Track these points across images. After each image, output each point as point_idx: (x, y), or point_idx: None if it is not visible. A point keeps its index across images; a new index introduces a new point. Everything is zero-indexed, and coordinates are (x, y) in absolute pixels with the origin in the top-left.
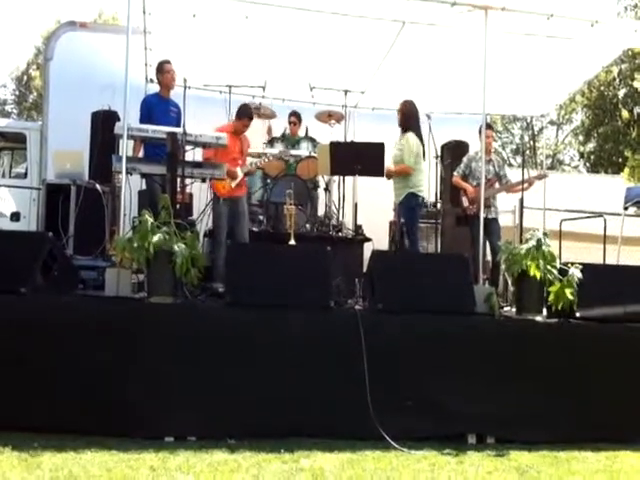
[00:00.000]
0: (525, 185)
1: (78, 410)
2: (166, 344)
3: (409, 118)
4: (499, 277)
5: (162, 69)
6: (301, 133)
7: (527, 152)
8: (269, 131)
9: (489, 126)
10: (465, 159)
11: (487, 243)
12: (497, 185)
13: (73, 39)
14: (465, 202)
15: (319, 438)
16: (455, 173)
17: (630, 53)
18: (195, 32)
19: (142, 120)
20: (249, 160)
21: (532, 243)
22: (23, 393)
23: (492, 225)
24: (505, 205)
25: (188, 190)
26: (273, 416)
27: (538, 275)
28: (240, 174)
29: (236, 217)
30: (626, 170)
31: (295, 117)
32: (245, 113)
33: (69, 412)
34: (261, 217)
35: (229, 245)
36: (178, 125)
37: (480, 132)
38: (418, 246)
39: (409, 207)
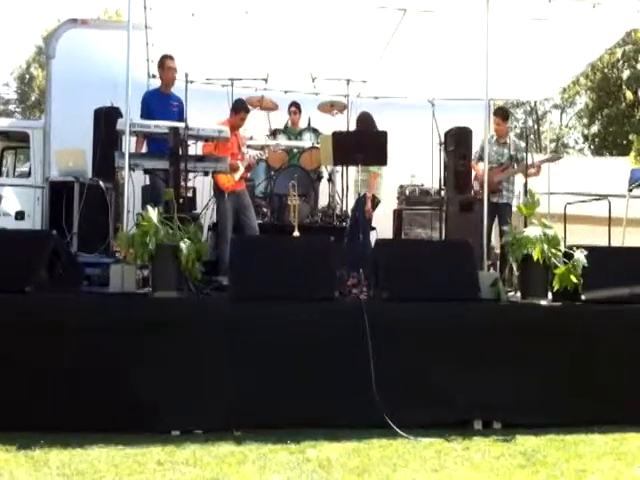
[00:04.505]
0: (534, 170)
1: (84, 407)
2: (171, 338)
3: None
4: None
5: (163, 65)
6: (303, 124)
7: (531, 136)
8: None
9: (504, 111)
10: (481, 142)
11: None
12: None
13: (74, 36)
14: (476, 186)
15: (325, 428)
16: (473, 157)
17: (633, 35)
18: (196, 26)
19: (142, 117)
20: (250, 153)
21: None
22: (29, 392)
23: (501, 209)
24: None
25: (191, 184)
26: (279, 407)
27: (542, 259)
28: (241, 167)
29: (245, 210)
30: (632, 154)
31: (295, 107)
32: (241, 107)
33: (75, 409)
34: (265, 209)
35: (232, 238)
36: (181, 119)
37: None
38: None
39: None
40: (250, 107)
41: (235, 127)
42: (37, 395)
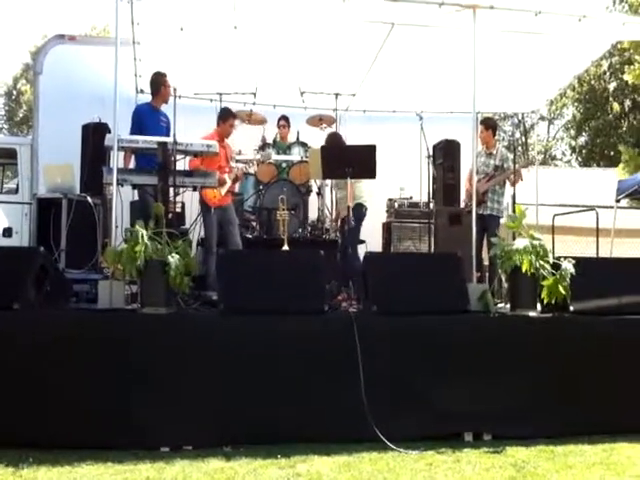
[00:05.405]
0: (513, 177)
1: (73, 424)
2: (160, 354)
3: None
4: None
5: (164, 82)
6: (292, 138)
7: (519, 148)
8: (263, 139)
9: (488, 120)
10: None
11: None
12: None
13: (62, 52)
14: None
15: (315, 442)
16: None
17: (619, 47)
18: (184, 41)
19: (133, 129)
20: (238, 166)
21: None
22: (17, 408)
23: (486, 221)
24: None
25: (180, 199)
26: (269, 422)
27: (531, 270)
28: (228, 181)
29: (229, 225)
30: (620, 165)
31: (284, 121)
32: (228, 114)
33: (63, 426)
34: (254, 223)
35: (220, 253)
36: (168, 135)
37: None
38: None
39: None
40: (239, 121)
41: (225, 135)
42: (25, 411)
